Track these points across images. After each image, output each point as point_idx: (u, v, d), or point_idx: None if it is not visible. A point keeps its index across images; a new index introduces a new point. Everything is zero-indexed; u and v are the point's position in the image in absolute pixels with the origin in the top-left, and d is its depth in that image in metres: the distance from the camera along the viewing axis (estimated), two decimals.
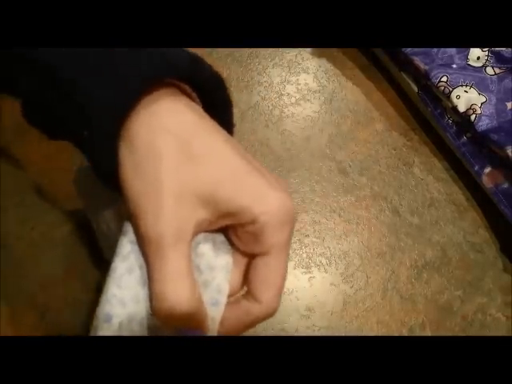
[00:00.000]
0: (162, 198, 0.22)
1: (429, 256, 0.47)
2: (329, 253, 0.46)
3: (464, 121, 0.46)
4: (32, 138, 0.49)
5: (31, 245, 0.45)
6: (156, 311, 0.23)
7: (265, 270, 0.25)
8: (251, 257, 0.25)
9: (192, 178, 0.23)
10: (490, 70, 0.47)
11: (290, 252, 0.45)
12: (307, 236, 0.47)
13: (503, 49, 0.47)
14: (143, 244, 0.23)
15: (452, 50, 0.48)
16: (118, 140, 0.23)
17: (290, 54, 0.54)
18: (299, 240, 0.47)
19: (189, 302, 0.23)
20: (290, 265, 0.46)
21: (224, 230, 0.26)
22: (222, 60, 0.53)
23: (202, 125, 0.24)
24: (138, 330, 0.24)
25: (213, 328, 0.25)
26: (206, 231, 0.25)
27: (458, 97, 0.45)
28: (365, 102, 0.52)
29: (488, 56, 0.47)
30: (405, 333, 0.44)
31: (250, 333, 0.43)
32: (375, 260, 0.46)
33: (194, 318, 0.24)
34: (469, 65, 0.47)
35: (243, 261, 0.26)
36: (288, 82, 0.53)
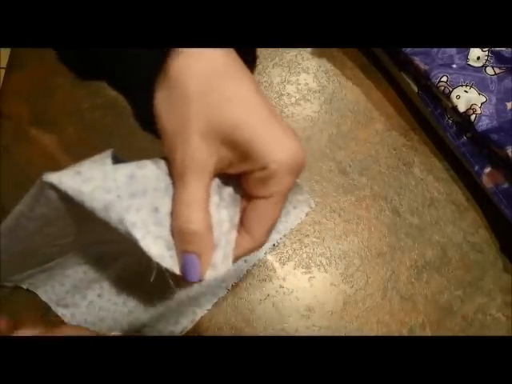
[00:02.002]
0: (189, 134, 0.25)
1: (429, 256, 0.47)
2: (329, 253, 0.46)
3: (464, 121, 0.46)
4: (32, 137, 0.49)
5: None
6: (173, 227, 0.26)
7: (263, 209, 0.27)
8: (253, 198, 0.28)
9: (217, 120, 0.25)
10: (490, 70, 0.47)
11: (290, 252, 0.46)
12: (307, 236, 0.47)
13: (503, 49, 0.47)
14: (172, 172, 0.26)
15: (452, 50, 0.48)
16: (156, 82, 0.26)
17: (290, 53, 0.54)
18: (299, 240, 0.47)
19: (200, 225, 0.26)
20: (290, 265, 0.46)
21: (236, 179, 0.29)
22: None
23: (232, 68, 0.26)
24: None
25: (223, 263, 0.27)
26: (225, 176, 0.28)
27: (458, 97, 0.45)
28: (365, 101, 0.52)
29: (488, 56, 0.47)
30: (405, 333, 0.44)
31: (250, 333, 0.43)
32: (375, 260, 0.46)
33: (202, 243, 0.26)
34: (469, 65, 0.47)
35: (245, 201, 0.29)
36: (288, 81, 0.53)
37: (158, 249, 0.26)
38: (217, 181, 0.28)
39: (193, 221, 0.26)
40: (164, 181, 0.27)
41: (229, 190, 0.28)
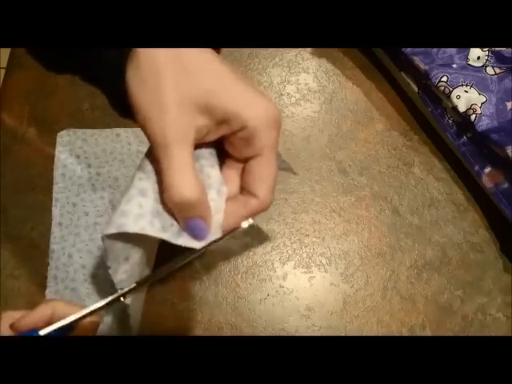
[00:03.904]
0: (165, 106, 0.26)
1: (429, 256, 0.47)
2: (329, 253, 0.46)
3: (464, 121, 0.46)
4: (32, 138, 0.49)
5: (31, 245, 0.45)
6: (167, 200, 0.27)
7: (258, 168, 0.28)
8: (245, 161, 0.29)
9: (189, 89, 0.26)
10: (490, 70, 0.47)
11: (291, 252, 0.46)
12: (307, 236, 0.47)
13: (503, 49, 0.47)
14: (154, 150, 0.27)
15: (452, 50, 0.48)
16: (126, 64, 0.26)
17: (290, 53, 0.54)
18: (299, 240, 0.47)
19: (194, 191, 0.26)
20: (290, 264, 0.46)
21: (219, 144, 0.29)
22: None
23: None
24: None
25: (217, 219, 0.28)
26: (205, 142, 0.28)
27: (458, 97, 0.45)
28: (365, 101, 0.52)
29: (488, 56, 0.47)
30: (405, 333, 0.44)
31: (250, 333, 0.43)
32: (375, 260, 0.46)
33: (199, 207, 0.27)
34: (469, 65, 0.47)
35: (239, 167, 0.30)
36: (288, 81, 0.53)
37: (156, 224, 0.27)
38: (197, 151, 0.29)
39: (187, 188, 0.26)
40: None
41: (204, 161, 0.29)
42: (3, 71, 0.52)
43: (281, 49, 0.54)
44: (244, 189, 0.29)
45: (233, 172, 0.30)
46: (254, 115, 0.27)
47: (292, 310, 0.44)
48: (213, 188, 0.28)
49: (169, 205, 0.27)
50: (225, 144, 0.29)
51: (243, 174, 0.29)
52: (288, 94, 0.52)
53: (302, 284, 0.45)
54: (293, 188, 0.49)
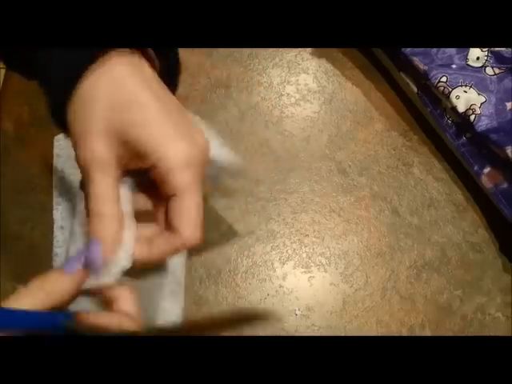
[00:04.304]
0: (89, 133, 0.27)
1: (428, 256, 0.47)
2: (328, 253, 0.46)
3: (463, 121, 0.46)
4: (32, 138, 0.49)
5: (31, 245, 0.45)
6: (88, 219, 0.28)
7: (178, 207, 0.29)
8: (168, 199, 0.29)
9: (116, 121, 0.27)
10: (489, 70, 0.47)
11: (290, 252, 0.46)
12: (307, 236, 0.47)
13: (503, 49, 0.47)
14: (80, 172, 0.28)
15: (451, 50, 0.48)
16: (71, 95, 0.28)
17: (290, 54, 0.54)
18: (299, 240, 0.47)
19: (108, 215, 0.28)
20: (290, 264, 0.46)
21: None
22: (221, 60, 0.53)
23: (135, 78, 0.28)
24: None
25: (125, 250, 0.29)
26: (128, 171, 0.30)
27: (458, 97, 0.46)
28: (364, 102, 0.52)
29: (487, 56, 0.47)
30: (404, 332, 0.44)
31: (250, 333, 0.43)
32: (375, 260, 0.46)
33: (107, 229, 0.28)
34: (468, 65, 0.47)
35: (164, 203, 0.30)
36: (288, 82, 0.53)
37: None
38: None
39: (102, 212, 0.27)
40: None
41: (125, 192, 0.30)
42: (3, 71, 0.52)
43: (281, 49, 0.54)
44: (169, 225, 0.29)
45: (160, 208, 0.30)
46: (166, 156, 0.27)
47: (292, 309, 0.44)
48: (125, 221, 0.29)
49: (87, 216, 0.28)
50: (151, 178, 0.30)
51: (167, 209, 0.30)
52: (288, 94, 0.52)
53: (301, 284, 0.45)
54: (292, 188, 0.49)
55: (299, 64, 0.54)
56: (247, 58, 0.54)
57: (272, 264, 0.46)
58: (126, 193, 0.30)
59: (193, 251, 0.29)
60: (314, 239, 0.47)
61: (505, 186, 0.45)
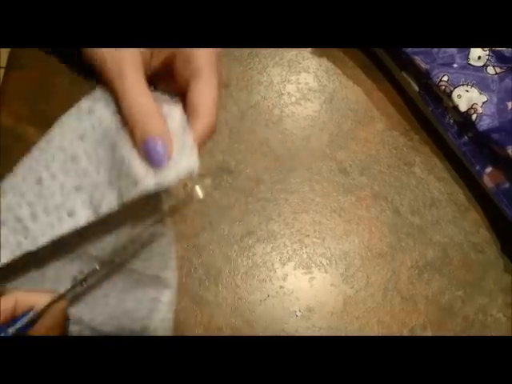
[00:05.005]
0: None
1: (430, 256, 0.47)
2: (329, 253, 0.46)
3: (465, 120, 0.46)
4: (32, 137, 0.49)
5: None
6: (126, 118, 0.28)
7: (199, 90, 0.29)
8: (188, 86, 0.30)
9: None
10: (490, 70, 0.47)
11: (291, 252, 0.46)
12: (307, 236, 0.47)
13: (504, 48, 0.47)
14: (110, 84, 0.28)
15: (453, 50, 0.47)
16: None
17: (291, 53, 0.54)
18: (299, 240, 0.47)
19: (150, 101, 0.27)
20: (291, 265, 0.46)
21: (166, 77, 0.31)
22: (221, 60, 0.53)
23: None
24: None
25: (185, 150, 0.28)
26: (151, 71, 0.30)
27: (459, 96, 0.45)
28: (365, 101, 0.52)
29: (489, 55, 0.47)
30: (406, 333, 0.44)
31: (250, 333, 0.43)
32: (376, 260, 0.46)
33: (157, 121, 0.27)
34: (470, 64, 0.47)
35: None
36: (288, 81, 0.53)
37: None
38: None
39: (140, 103, 0.27)
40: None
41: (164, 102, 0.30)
42: (3, 71, 0.51)
43: (281, 48, 0.54)
44: (187, 112, 0.30)
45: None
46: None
47: (292, 310, 0.44)
48: (175, 123, 0.29)
49: (128, 123, 0.27)
50: (171, 72, 0.31)
51: (186, 99, 0.30)
52: (288, 93, 0.52)
53: (302, 285, 0.45)
54: (293, 188, 0.48)
55: (300, 63, 0.54)
56: (247, 57, 0.54)
57: (272, 264, 0.46)
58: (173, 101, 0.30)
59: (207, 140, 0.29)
60: (314, 239, 0.47)
61: (506, 185, 0.45)
